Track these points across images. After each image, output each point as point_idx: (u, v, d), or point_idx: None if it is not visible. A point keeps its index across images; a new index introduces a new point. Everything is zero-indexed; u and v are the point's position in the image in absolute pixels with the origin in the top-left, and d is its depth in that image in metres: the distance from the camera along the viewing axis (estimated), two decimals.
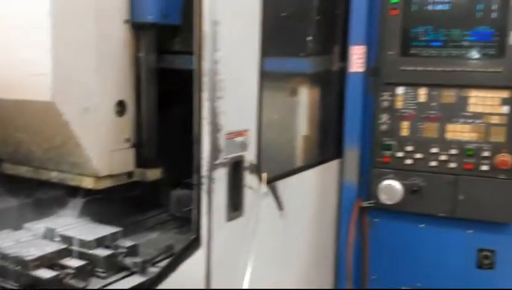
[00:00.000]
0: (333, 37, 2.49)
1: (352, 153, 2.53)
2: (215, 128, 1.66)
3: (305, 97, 2.39)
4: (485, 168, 2.31)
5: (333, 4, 2.45)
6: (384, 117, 2.46)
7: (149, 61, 1.98)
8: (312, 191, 2.40)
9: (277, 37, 2.11)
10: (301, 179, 2.29)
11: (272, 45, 2.06)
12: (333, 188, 2.56)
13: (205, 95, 1.60)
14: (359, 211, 2.56)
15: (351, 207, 2.54)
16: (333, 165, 2.53)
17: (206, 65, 1.59)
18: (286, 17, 2.14)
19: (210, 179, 1.66)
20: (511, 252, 2.38)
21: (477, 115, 2.31)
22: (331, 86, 2.54)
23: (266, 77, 1.95)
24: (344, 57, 2.45)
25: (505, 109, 2.27)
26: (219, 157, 1.69)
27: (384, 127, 2.46)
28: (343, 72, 2.47)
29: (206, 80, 1.60)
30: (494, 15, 2.23)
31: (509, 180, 2.29)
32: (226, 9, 1.64)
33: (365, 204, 2.54)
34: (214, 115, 1.64)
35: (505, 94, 2.26)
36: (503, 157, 2.28)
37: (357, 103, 2.48)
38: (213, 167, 1.67)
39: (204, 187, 1.65)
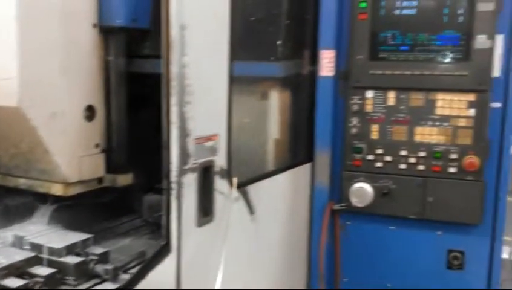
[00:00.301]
0: (303, 42, 2.51)
1: (323, 156, 2.55)
2: (184, 133, 1.66)
3: (276, 101, 2.40)
4: (452, 170, 2.35)
5: (302, 9, 2.47)
6: (354, 120, 2.48)
7: (118, 66, 1.97)
8: (284, 194, 2.41)
9: (247, 41, 2.12)
10: (272, 183, 2.29)
11: (242, 49, 2.07)
12: (305, 191, 2.58)
13: (173, 100, 1.60)
14: (331, 214, 2.58)
15: (323, 210, 2.56)
16: (304, 169, 2.55)
17: (173, 70, 1.59)
18: (256, 22, 2.15)
19: (180, 185, 1.65)
20: (479, 253, 2.43)
21: (445, 118, 2.36)
22: (302, 89, 2.56)
23: (236, 81, 1.96)
24: (314, 61, 2.47)
25: (472, 112, 2.32)
26: (189, 163, 1.69)
27: (354, 131, 2.48)
28: (313, 76, 2.48)
29: (174, 84, 1.59)
30: (460, 19, 2.28)
31: (476, 182, 2.33)
32: (193, 13, 1.64)
33: (336, 207, 2.56)
34: (183, 119, 1.64)
35: (471, 97, 2.31)
36: (470, 160, 2.32)
37: (327, 106, 2.50)
38: (182, 172, 1.66)
39: (174, 193, 1.64)
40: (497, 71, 2.29)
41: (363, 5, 2.38)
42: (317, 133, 2.53)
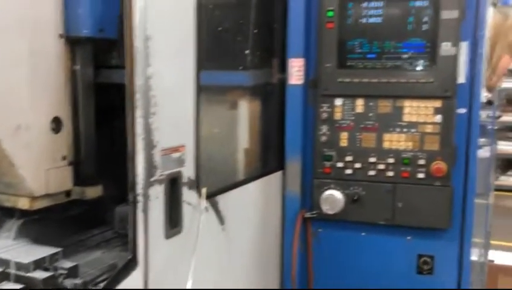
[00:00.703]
0: (272, 50, 2.52)
1: (294, 164, 2.56)
2: (150, 145, 1.64)
3: (246, 110, 2.40)
4: (421, 175, 2.39)
5: (271, 18, 2.48)
6: (324, 128, 2.50)
7: (85, 76, 1.95)
8: (255, 203, 2.40)
9: (214, 50, 2.12)
10: (243, 192, 2.29)
11: (209, 59, 2.07)
12: (277, 199, 2.58)
13: (138, 112, 1.59)
14: (302, 222, 2.59)
15: (295, 218, 2.56)
16: (275, 177, 2.55)
17: (138, 81, 1.57)
18: (223, 31, 2.15)
19: (146, 197, 1.64)
20: (449, 257, 2.46)
21: (412, 125, 2.39)
22: (272, 98, 2.56)
23: (204, 91, 1.95)
24: (284, 69, 2.48)
25: (438, 118, 2.35)
26: (155, 174, 1.67)
27: (324, 138, 2.50)
28: (283, 84, 2.49)
29: (138, 96, 1.58)
30: (425, 27, 2.31)
31: (444, 187, 2.37)
32: (158, 24, 1.63)
33: (308, 215, 2.56)
34: (148, 131, 1.63)
35: (437, 104, 2.35)
36: (437, 165, 2.35)
37: (297, 114, 2.51)
38: (148, 184, 1.65)
39: (140, 205, 1.62)
40: (462, 78, 2.34)
41: (330, 14, 2.40)
42: (287, 141, 2.54)
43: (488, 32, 2.36)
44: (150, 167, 1.65)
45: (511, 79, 8.82)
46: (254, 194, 2.39)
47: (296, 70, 2.47)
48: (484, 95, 2.45)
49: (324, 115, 2.48)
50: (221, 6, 2.13)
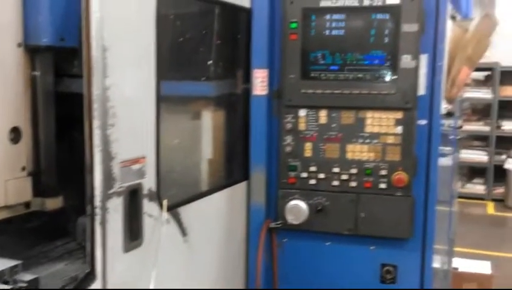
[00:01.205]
0: (236, 61, 2.53)
1: (258, 174, 2.56)
2: (108, 157, 1.62)
3: (210, 120, 2.39)
4: (383, 186, 2.42)
5: (234, 29, 2.49)
6: (288, 139, 2.51)
7: (45, 85, 1.91)
8: (219, 214, 2.39)
9: (176, 61, 2.11)
10: (206, 203, 2.27)
11: (171, 69, 2.06)
12: (242, 210, 2.57)
13: (95, 123, 1.57)
14: (268, 232, 2.59)
15: (259, 228, 2.56)
16: (240, 187, 2.55)
17: (95, 92, 1.56)
18: (185, 42, 2.14)
19: (104, 210, 1.61)
20: (411, 266, 2.49)
21: (374, 135, 2.42)
22: (237, 108, 2.56)
23: (166, 101, 1.94)
24: (248, 80, 2.49)
25: (399, 129, 2.39)
26: (114, 186, 1.65)
27: (288, 149, 2.51)
28: (247, 95, 2.50)
29: (95, 107, 1.56)
30: (386, 40, 2.36)
31: (405, 197, 2.40)
32: (116, 34, 1.62)
33: (273, 225, 2.57)
34: (106, 143, 1.61)
35: (398, 115, 2.38)
36: (399, 175, 2.39)
37: (262, 125, 2.52)
38: (107, 197, 1.62)
39: (98, 218, 1.60)
40: (422, 89, 2.38)
41: (293, 25, 2.42)
42: (252, 151, 2.54)
43: (447, 45, 2.42)
44: (109, 179, 1.63)
45: (476, 89, 9.12)
46: (218, 205, 2.38)
47: (260, 81, 2.48)
48: (444, 107, 2.50)
49: (289, 126, 2.50)
50: (183, 17, 2.13)
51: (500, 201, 8.92)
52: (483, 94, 9.02)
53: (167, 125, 2.00)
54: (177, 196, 2.05)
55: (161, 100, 1.87)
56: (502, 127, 8.98)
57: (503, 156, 8.91)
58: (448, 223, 3.56)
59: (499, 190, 9.03)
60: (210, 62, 2.28)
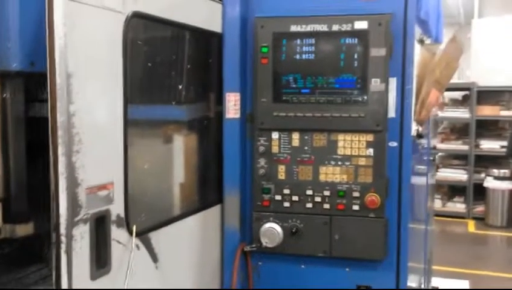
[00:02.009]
0: (208, 85, 2.54)
1: (232, 197, 2.55)
2: (74, 183, 1.61)
3: (182, 144, 2.39)
4: (355, 208, 2.43)
5: (206, 53, 2.50)
6: (262, 161, 2.52)
7: (16, 110, 1.91)
8: (192, 238, 2.38)
9: (146, 85, 2.11)
10: (179, 228, 2.26)
11: (141, 94, 2.07)
12: (216, 233, 2.56)
13: (60, 150, 1.56)
14: (243, 256, 2.57)
15: (234, 252, 2.55)
16: (214, 211, 2.54)
17: (59, 119, 1.55)
18: (155, 66, 2.15)
19: (70, 237, 1.60)
20: (386, 287, 2.49)
21: (346, 158, 2.44)
22: (209, 132, 2.57)
23: (135, 126, 1.94)
24: (221, 103, 2.50)
25: (370, 151, 2.41)
26: (80, 213, 1.63)
27: (261, 171, 2.51)
28: (220, 118, 2.51)
29: (60, 134, 1.55)
30: (355, 64, 2.39)
31: (378, 219, 2.42)
32: (81, 59, 1.62)
33: (247, 248, 2.55)
34: (72, 169, 1.59)
35: (369, 137, 2.41)
36: (371, 197, 2.40)
37: (235, 148, 2.53)
38: (72, 224, 1.61)
39: (63, 246, 1.58)
40: (392, 112, 2.42)
41: (265, 50, 2.45)
42: (225, 174, 2.54)
43: (416, 68, 2.47)
44: (75, 206, 1.61)
45: (454, 109, 9.27)
46: (191, 229, 2.37)
47: (232, 105, 2.49)
48: (414, 128, 2.53)
49: (262, 149, 2.51)
50: (153, 41, 2.14)
51: (480, 219, 8.98)
52: (461, 114, 9.17)
53: (137, 150, 1.99)
54: (148, 222, 2.03)
55: (130, 125, 1.87)
56: (481, 146, 9.10)
57: (482, 175, 9.01)
58: (424, 242, 3.58)
59: (479, 208, 9.10)
60: (181, 86, 2.28)
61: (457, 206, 9.28)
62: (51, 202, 1.58)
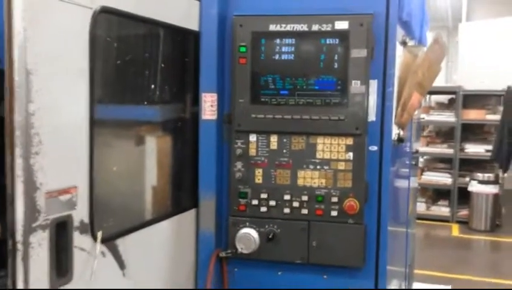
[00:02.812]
0: (184, 85, 2.45)
1: (208, 202, 2.47)
2: (32, 187, 1.52)
3: (155, 146, 2.29)
4: (334, 213, 2.36)
5: (182, 52, 2.41)
6: (239, 165, 2.44)
7: None
8: (165, 244, 2.29)
9: (116, 84, 2.02)
10: (150, 233, 2.17)
11: (110, 93, 1.97)
12: (190, 239, 2.47)
13: (17, 152, 1.46)
14: (218, 261, 2.49)
15: (209, 258, 2.46)
16: (189, 216, 2.45)
17: (17, 118, 1.46)
18: (126, 64, 2.05)
19: (27, 244, 1.50)
20: None
21: (325, 162, 2.37)
22: (185, 133, 2.48)
23: (103, 126, 1.85)
24: (197, 104, 2.42)
25: (350, 155, 2.35)
26: (38, 219, 1.54)
27: (238, 175, 2.43)
28: (196, 119, 2.42)
29: (17, 134, 1.46)
30: (335, 65, 2.32)
31: (357, 225, 2.35)
32: (43, 56, 1.53)
33: (223, 254, 2.47)
34: (30, 172, 1.50)
35: (349, 141, 2.34)
36: (350, 202, 2.34)
37: (211, 150, 2.44)
38: (30, 231, 1.51)
39: (20, 254, 1.49)
40: (372, 115, 2.35)
41: (243, 49, 2.37)
42: (201, 178, 2.45)
43: (397, 71, 2.40)
44: (33, 212, 1.52)
45: (439, 112, 9.26)
46: (164, 235, 2.28)
47: (209, 105, 2.41)
48: (395, 132, 2.47)
49: (239, 151, 2.43)
50: (123, 39, 2.05)
51: (464, 223, 8.98)
52: (447, 117, 9.16)
53: (105, 152, 1.90)
54: (115, 227, 1.94)
55: (98, 125, 1.78)
56: (466, 150, 9.08)
57: (467, 179, 9.00)
58: (405, 247, 3.52)
59: (463, 212, 9.09)
60: (154, 86, 2.19)
61: (442, 209, 9.26)
62: (7, 206, 1.48)
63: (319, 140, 2.37)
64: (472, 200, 8.78)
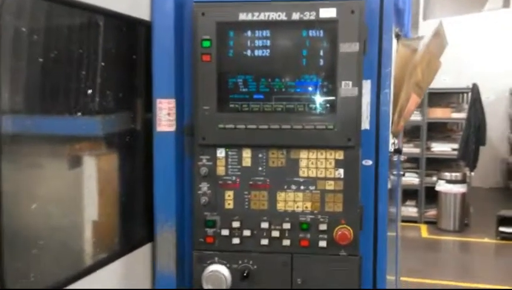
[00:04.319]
0: (133, 88, 1.96)
1: (166, 233, 1.99)
2: None
3: (94, 168, 1.78)
4: (323, 244, 1.93)
5: (128, 47, 1.92)
6: (204, 186, 1.98)
7: None
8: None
9: (39, 89, 1.52)
10: (93, 283, 1.68)
11: (29, 100, 1.48)
12: (145, 281, 1.99)
13: None
14: None
15: None
16: (142, 253, 1.97)
17: None
18: (51, 63, 1.55)
19: None
20: None
21: (310, 181, 1.94)
22: (135, 150, 1.99)
23: (18, 145, 1.36)
24: (150, 112, 1.94)
25: (340, 173, 1.92)
26: None
27: (204, 199, 1.97)
28: (149, 132, 1.95)
29: None
30: (321, 62, 1.90)
31: (351, 257, 1.93)
32: None
33: None
34: None
35: (338, 155, 1.92)
36: (342, 230, 1.92)
37: (169, 170, 1.97)
38: None
39: None
40: (366, 123, 1.94)
41: (206, 43, 1.91)
42: (157, 204, 1.98)
43: (393, 69, 2.00)
44: None
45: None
46: (111, 282, 1.79)
47: (165, 114, 1.94)
48: (391, 142, 2.07)
49: (204, 170, 1.97)
50: (45, 30, 1.54)
51: (433, 223, 8.84)
52: (413, 116, 8.96)
53: (21, 180, 1.41)
54: (42, 281, 1.44)
55: (8, 143, 1.29)
56: (432, 149, 8.99)
57: (434, 178, 8.88)
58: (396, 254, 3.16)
59: (431, 212, 8.96)
60: (91, 91, 1.68)
61: (409, 210, 9.10)
62: None
63: (303, 154, 1.94)
64: (440, 200, 8.67)
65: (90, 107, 1.69)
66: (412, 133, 9.27)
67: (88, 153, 1.73)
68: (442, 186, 8.62)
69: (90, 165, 1.74)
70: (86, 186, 1.74)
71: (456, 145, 8.81)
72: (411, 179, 8.97)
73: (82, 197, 1.73)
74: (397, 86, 2.06)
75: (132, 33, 1.90)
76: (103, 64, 1.73)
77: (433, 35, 2.11)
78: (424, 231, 8.67)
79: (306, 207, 1.95)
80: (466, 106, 9.05)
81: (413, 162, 9.12)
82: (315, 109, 1.91)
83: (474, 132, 8.60)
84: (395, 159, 2.72)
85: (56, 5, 1.56)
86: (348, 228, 1.92)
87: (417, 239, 8.38)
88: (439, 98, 9.01)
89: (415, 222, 8.92)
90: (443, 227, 8.62)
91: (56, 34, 1.61)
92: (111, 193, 1.87)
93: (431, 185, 8.79)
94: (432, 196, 8.78)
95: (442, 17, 11.10)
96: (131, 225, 1.98)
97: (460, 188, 8.53)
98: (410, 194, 9.18)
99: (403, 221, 8.75)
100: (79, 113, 1.64)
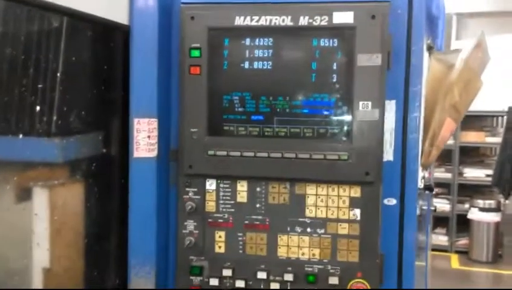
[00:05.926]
0: (105, 105, 1.64)
1: (143, 281, 1.66)
2: None
3: (51, 202, 1.45)
4: None
5: (100, 57, 1.61)
6: (190, 225, 1.65)
7: None
8: None
9: None
10: None
11: None
12: None
13: None
14: None
15: None
16: None
17: None
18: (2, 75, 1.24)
19: None
20: None
21: (319, 222, 1.59)
22: (106, 180, 1.66)
23: None
24: (126, 134, 1.63)
25: (356, 213, 1.57)
26: None
27: (190, 241, 1.64)
28: (125, 158, 1.63)
29: None
30: (334, 78, 1.55)
31: None
32: None
33: None
34: None
35: (354, 192, 1.56)
36: (357, 285, 1.55)
37: (148, 204, 1.65)
38: None
39: None
40: (389, 153, 1.58)
41: (195, 53, 1.59)
42: (131, 246, 1.65)
43: (424, 88, 1.65)
44: None
45: None
46: None
47: (144, 137, 1.62)
48: (421, 177, 1.70)
49: (190, 205, 1.64)
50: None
51: (464, 253, 8.35)
52: None
53: None
54: None
55: None
56: (464, 174, 8.53)
57: (466, 205, 8.41)
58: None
59: (463, 241, 8.48)
60: (49, 108, 1.37)
61: (440, 238, 8.65)
62: None
63: (310, 190, 1.59)
64: (472, 229, 8.23)
65: (45, 127, 1.38)
66: (443, 157, 8.83)
67: (41, 183, 1.40)
68: (474, 214, 8.19)
69: (42, 198, 1.41)
70: (37, 224, 1.41)
71: (489, 171, 8.34)
72: (442, 205, 8.54)
73: (31, 239, 1.40)
74: (429, 108, 1.70)
75: (105, 38, 1.59)
76: (68, 76, 1.41)
77: (473, 48, 1.74)
78: (455, 261, 8.22)
79: (313, 255, 1.59)
80: (501, 130, 8.58)
81: (444, 187, 8.68)
82: (326, 134, 1.56)
83: (510, 157, 8.12)
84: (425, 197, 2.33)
85: (7, 3, 1.26)
86: (365, 282, 1.55)
87: (447, 270, 7.95)
88: (471, 120, 8.56)
89: (445, 251, 8.47)
90: (475, 257, 8.16)
91: (9, 40, 1.31)
92: (70, 233, 1.54)
93: (463, 213, 8.35)
94: (463, 223, 8.36)
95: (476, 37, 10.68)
96: (98, 272, 1.64)
97: (493, 217, 8.10)
98: (440, 221, 8.73)
99: (432, 249, 8.32)
100: (34, 133, 1.33)
